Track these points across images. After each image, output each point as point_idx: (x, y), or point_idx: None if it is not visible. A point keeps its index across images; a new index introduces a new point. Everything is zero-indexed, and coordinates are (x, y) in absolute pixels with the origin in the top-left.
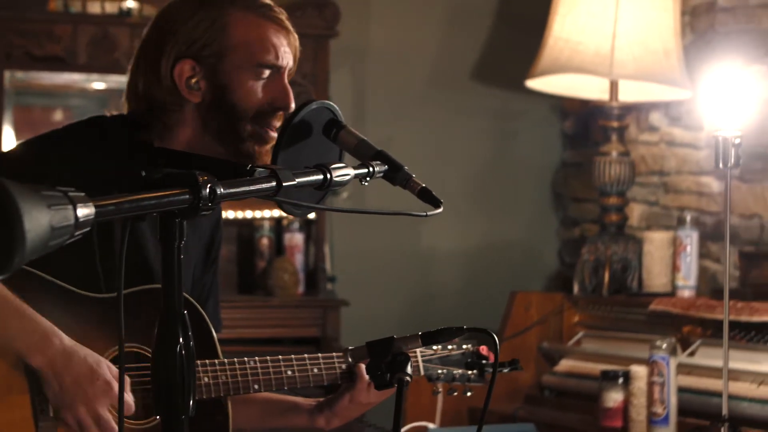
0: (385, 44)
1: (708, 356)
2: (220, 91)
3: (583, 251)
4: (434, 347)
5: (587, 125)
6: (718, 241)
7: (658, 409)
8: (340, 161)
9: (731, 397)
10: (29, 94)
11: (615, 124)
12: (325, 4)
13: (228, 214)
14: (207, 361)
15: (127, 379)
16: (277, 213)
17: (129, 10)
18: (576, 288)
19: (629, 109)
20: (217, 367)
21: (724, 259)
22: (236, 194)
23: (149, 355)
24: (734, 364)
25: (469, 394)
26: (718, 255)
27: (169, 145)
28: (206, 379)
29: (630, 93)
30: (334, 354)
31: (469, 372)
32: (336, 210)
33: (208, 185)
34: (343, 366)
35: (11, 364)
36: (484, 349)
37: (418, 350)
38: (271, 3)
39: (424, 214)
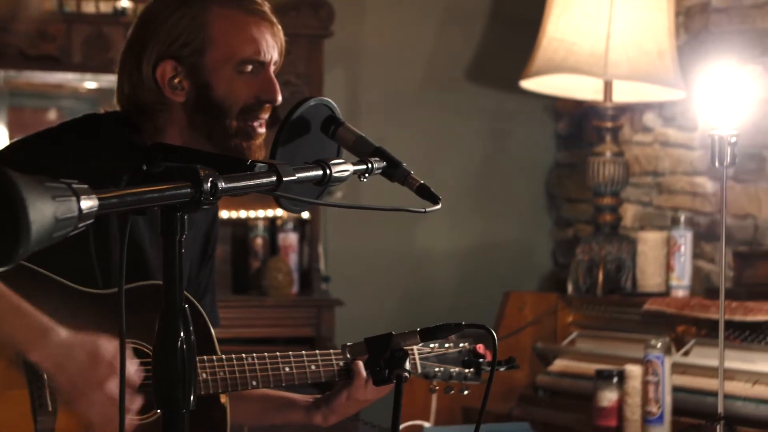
0: (380, 44)
1: (702, 356)
2: (203, 89)
3: (577, 251)
4: (431, 345)
5: (581, 126)
6: (711, 242)
7: (653, 409)
8: (338, 158)
9: (726, 396)
10: (23, 95)
11: (609, 124)
12: (320, 4)
13: (222, 213)
14: (205, 357)
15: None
16: (271, 213)
17: (123, 10)
18: (570, 288)
19: (623, 109)
20: (215, 364)
21: (719, 258)
22: (237, 188)
23: (148, 351)
24: (729, 364)
25: (466, 392)
26: (712, 255)
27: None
28: (204, 375)
29: (624, 93)
30: (331, 351)
31: (466, 370)
32: (334, 205)
33: (210, 179)
34: (341, 363)
35: (9, 359)
36: (481, 348)
37: (414, 348)
38: None
39: (423, 210)
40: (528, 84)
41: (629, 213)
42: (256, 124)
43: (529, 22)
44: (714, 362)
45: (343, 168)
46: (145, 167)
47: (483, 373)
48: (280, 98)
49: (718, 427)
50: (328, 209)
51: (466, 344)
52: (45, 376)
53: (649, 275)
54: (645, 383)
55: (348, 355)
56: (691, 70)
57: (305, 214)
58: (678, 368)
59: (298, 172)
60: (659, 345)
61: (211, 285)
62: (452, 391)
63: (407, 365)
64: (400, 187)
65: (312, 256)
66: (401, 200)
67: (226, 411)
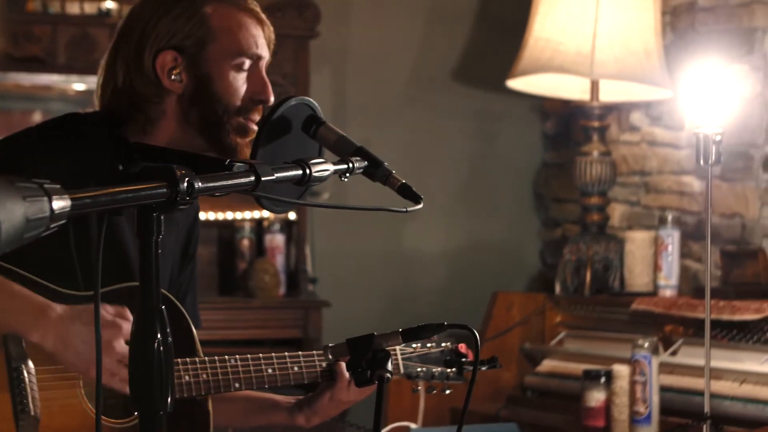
0: (366, 45)
1: (690, 355)
2: (202, 82)
3: (565, 251)
4: (413, 345)
5: (568, 125)
6: (699, 241)
7: (641, 408)
8: (320, 157)
9: (714, 395)
10: (8, 98)
11: (596, 124)
12: (306, 4)
13: (208, 215)
14: (188, 359)
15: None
16: (257, 214)
17: (108, 11)
18: (558, 288)
19: (610, 109)
20: (198, 366)
21: (706, 257)
22: (214, 188)
23: None
24: (716, 363)
25: (448, 392)
26: (700, 254)
27: (152, 138)
28: (187, 378)
29: (611, 93)
30: (314, 352)
31: (448, 370)
32: (315, 205)
33: (186, 179)
34: (324, 364)
35: None
36: (463, 347)
37: (397, 348)
38: None
39: (404, 210)
40: (514, 84)
41: (617, 212)
42: (248, 122)
43: (515, 22)
44: (701, 362)
45: (323, 167)
46: (121, 167)
47: (465, 373)
48: (272, 98)
49: (704, 427)
50: (315, 210)
51: (449, 344)
52: (50, 354)
53: (637, 275)
54: (632, 383)
55: (330, 356)
56: (677, 69)
57: (292, 215)
58: (666, 368)
59: (276, 172)
60: (646, 345)
61: (193, 286)
62: (434, 391)
63: (389, 366)
64: (387, 188)
65: (299, 257)
66: (389, 200)
67: (209, 413)
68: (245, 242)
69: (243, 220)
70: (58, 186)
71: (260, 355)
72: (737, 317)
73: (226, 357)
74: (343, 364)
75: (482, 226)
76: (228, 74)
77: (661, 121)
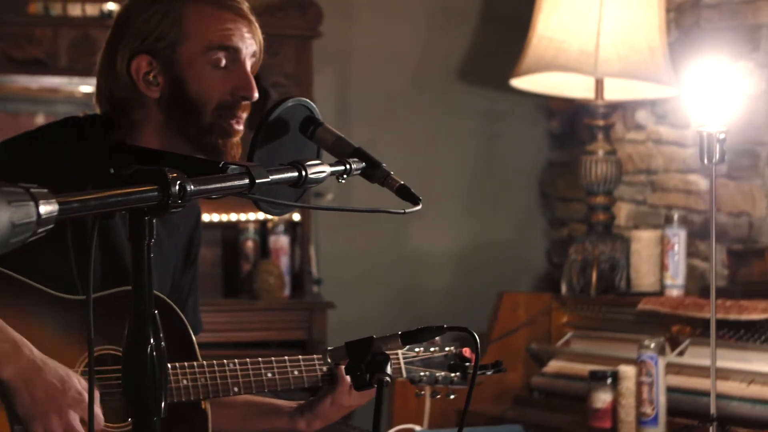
0: (369, 45)
1: (697, 355)
2: (178, 83)
3: (571, 251)
4: (416, 349)
5: (573, 124)
6: (706, 240)
7: (647, 410)
8: (318, 159)
9: (721, 396)
10: (14, 100)
11: (601, 122)
12: (308, 4)
13: (212, 217)
14: (186, 363)
15: (97, 392)
16: (261, 215)
17: (110, 13)
18: (564, 288)
19: (615, 107)
20: (196, 370)
21: (712, 256)
22: (207, 191)
23: None
24: (724, 363)
25: (452, 396)
26: (707, 253)
27: (139, 143)
28: (185, 382)
29: (615, 91)
30: (314, 356)
31: (452, 374)
32: (313, 208)
33: (178, 182)
34: (324, 368)
35: None
36: (467, 351)
37: (400, 352)
38: None
39: (403, 211)
40: (518, 82)
41: (622, 212)
42: (233, 121)
43: (519, 21)
44: (709, 362)
45: (319, 169)
46: (112, 170)
47: (469, 377)
48: (256, 94)
49: (710, 428)
50: (319, 211)
51: (453, 348)
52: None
53: (643, 274)
54: (639, 384)
55: (329, 360)
56: (682, 67)
57: (296, 216)
58: (673, 368)
59: (272, 174)
60: (652, 345)
61: (194, 289)
62: (438, 396)
63: (388, 369)
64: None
65: (303, 258)
66: (392, 201)
67: (208, 417)
68: (249, 244)
69: (247, 221)
70: (45, 190)
71: (260, 359)
72: (744, 317)
73: (225, 361)
74: (344, 368)
75: (488, 225)
76: (203, 73)
77: (666, 119)
